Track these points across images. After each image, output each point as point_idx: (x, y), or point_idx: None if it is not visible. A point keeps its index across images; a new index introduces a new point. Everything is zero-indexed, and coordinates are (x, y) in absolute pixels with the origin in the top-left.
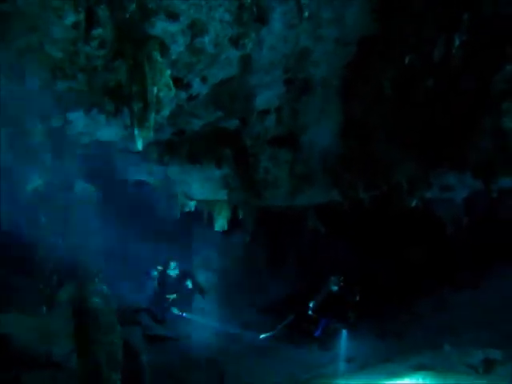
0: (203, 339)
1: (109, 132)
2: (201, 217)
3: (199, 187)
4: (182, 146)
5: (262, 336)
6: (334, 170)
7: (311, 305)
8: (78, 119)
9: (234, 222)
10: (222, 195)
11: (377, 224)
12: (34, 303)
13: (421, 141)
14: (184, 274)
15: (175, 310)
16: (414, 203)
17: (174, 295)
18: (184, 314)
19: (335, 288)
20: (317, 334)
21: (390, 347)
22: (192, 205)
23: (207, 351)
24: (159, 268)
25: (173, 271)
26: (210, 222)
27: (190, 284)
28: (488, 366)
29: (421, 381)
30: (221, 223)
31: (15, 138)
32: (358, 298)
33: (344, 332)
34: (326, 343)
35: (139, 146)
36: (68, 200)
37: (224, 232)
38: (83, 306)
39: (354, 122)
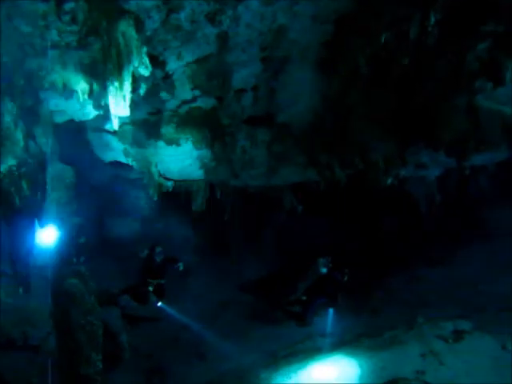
0: (181, 320)
1: (83, 111)
2: (178, 197)
3: (176, 167)
4: (158, 126)
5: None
6: (310, 149)
7: (300, 287)
8: (50, 98)
9: (211, 202)
10: (200, 175)
11: (352, 202)
12: (10, 285)
13: (396, 119)
14: (169, 260)
15: (153, 298)
16: (389, 181)
17: (158, 280)
18: (159, 304)
19: (324, 270)
20: (307, 316)
21: (365, 322)
22: (170, 185)
23: (186, 332)
24: (145, 252)
25: (158, 256)
26: (188, 202)
27: (181, 266)
28: (457, 337)
29: None
30: (198, 203)
31: None
32: (346, 279)
33: (330, 310)
34: (303, 320)
35: (115, 125)
36: (44, 181)
37: (202, 212)
38: (61, 287)
39: (330, 100)
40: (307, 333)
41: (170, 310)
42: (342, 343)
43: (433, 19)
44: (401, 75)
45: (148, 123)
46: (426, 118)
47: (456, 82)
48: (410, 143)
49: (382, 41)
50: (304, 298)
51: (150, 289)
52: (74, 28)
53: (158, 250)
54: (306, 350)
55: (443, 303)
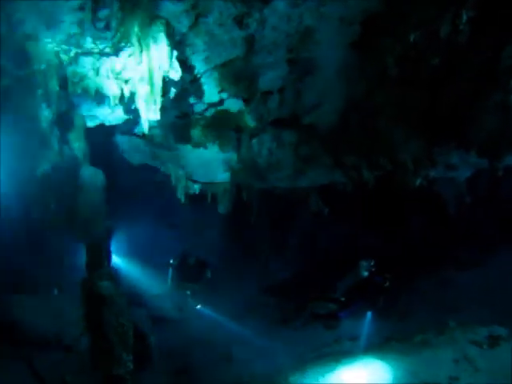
0: (210, 322)
1: (113, 115)
2: (205, 200)
3: (203, 170)
4: (185, 129)
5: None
6: (337, 150)
7: (339, 287)
8: (82, 103)
9: (237, 205)
10: (226, 177)
11: (380, 203)
12: (45, 286)
13: (426, 119)
14: (201, 264)
15: (190, 301)
16: (418, 182)
17: (192, 284)
18: (198, 307)
19: (365, 273)
20: (342, 315)
21: (394, 326)
22: (196, 188)
23: (213, 333)
24: (177, 257)
25: (190, 260)
26: (214, 204)
27: (209, 274)
28: (493, 342)
29: None
30: (225, 206)
31: (23, 123)
32: (388, 284)
33: (369, 314)
34: (330, 323)
35: (145, 129)
36: (76, 184)
37: (228, 214)
38: (93, 289)
39: (357, 101)
40: (335, 336)
41: (208, 312)
42: (371, 347)
43: (465, 17)
44: (431, 75)
45: (175, 126)
46: (457, 118)
47: (489, 81)
48: (440, 144)
49: (411, 40)
50: (342, 299)
51: (188, 293)
52: (108, 35)
53: (190, 253)
54: (333, 353)
55: (475, 308)
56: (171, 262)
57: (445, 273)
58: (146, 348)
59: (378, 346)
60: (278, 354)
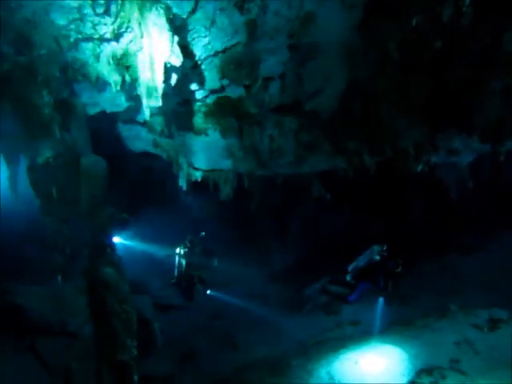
0: (213, 309)
1: (115, 102)
2: (207, 187)
3: (205, 157)
4: (186, 116)
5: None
6: (338, 136)
7: (350, 270)
8: (83, 90)
9: (239, 192)
10: (228, 165)
11: (382, 189)
12: (48, 273)
13: (428, 104)
14: (208, 252)
15: (200, 287)
16: (419, 168)
17: (199, 272)
18: (208, 292)
19: (377, 257)
20: (351, 298)
21: (396, 310)
22: (198, 175)
23: (217, 320)
24: (183, 246)
25: (196, 248)
26: (216, 191)
27: (215, 262)
28: (493, 325)
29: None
30: (226, 193)
31: (24, 110)
32: (400, 270)
33: (381, 300)
34: (331, 308)
35: (147, 115)
36: (78, 172)
37: (230, 201)
38: (97, 277)
39: (359, 87)
40: (337, 321)
41: (212, 299)
42: (372, 331)
43: None
44: (433, 59)
45: (177, 113)
46: (459, 103)
47: (492, 65)
48: (442, 129)
49: (414, 24)
50: (353, 281)
51: (195, 280)
52: (108, 20)
53: (196, 241)
54: (336, 338)
55: (476, 291)
56: (177, 251)
57: (447, 257)
58: (150, 334)
59: (380, 330)
60: (280, 340)
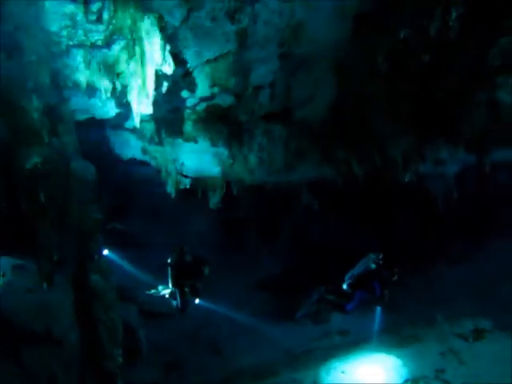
0: (200, 317)
1: (104, 109)
2: (195, 194)
3: (194, 164)
4: (176, 123)
5: (298, 315)
6: (327, 145)
7: (347, 278)
8: (73, 97)
9: (228, 200)
10: (217, 172)
11: (369, 198)
12: (35, 280)
13: (416, 114)
14: (199, 261)
15: (189, 297)
16: (407, 178)
17: (192, 281)
18: (197, 301)
19: (373, 266)
20: (349, 307)
21: (383, 320)
22: (187, 182)
23: (204, 328)
24: (174, 255)
25: (186, 256)
26: (205, 199)
27: (206, 271)
28: (478, 335)
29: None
30: (215, 200)
31: (13, 115)
32: (396, 278)
33: (378, 309)
34: (320, 317)
35: (137, 122)
36: (66, 178)
37: (218, 209)
38: (83, 283)
39: (348, 97)
40: (324, 330)
41: (199, 306)
42: (360, 340)
43: (454, 14)
44: (420, 71)
45: (166, 121)
46: (446, 114)
47: (477, 78)
48: (430, 139)
49: (402, 36)
50: (349, 290)
51: (186, 289)
52: (100, 27)
53: (186, 250)
54: (324, 348)
55: (462, 301)
56: (169, 260)
57: (434, 267)
58: (135, 342)
59: (367, 340)
60: (268, 348)
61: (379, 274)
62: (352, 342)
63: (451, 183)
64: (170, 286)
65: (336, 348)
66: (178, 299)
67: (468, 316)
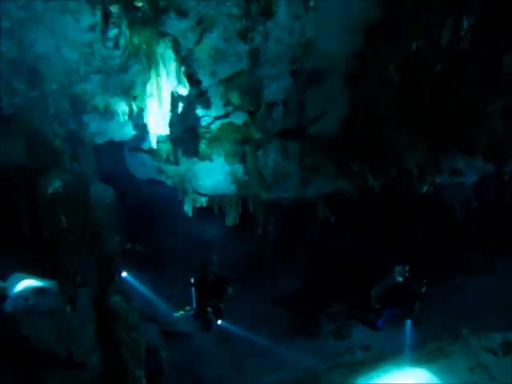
0: (219, 336)
1: (122, 131)
2: (212, 212)
3: (210, 183)
4: (191, 143)
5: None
6: (342, 159)
7: (373, 294)
8: (92, 121)
9: (244, 216)
10: (233, 189)
11: (387, 211)
12: (57, 303)
13: (430, 126)
14: (222, 280)
15: (213, 317)
16: (425, 189)
17: (215, 302)
18: (219, 322)
19: (400, 279)
20: (379, 324)
21: (405, 333)
22: (204, 200)
23: (224, 347)
24: (196, 274)
25: (209, 275)
26: (222, 217)
27: (230, 290)
28: (508, 349)
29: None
30: (232, 218)
31: (35, 141)
32: (424, 290)
33: (408, 322)
34: (341, 332)
35: (154, 144)
36: (86, 201)
37: (235, 226)
38: (105, 305)
39: (361, 110)
40: (346, 346)
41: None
42: (384, 355)
43: (466, 24)
44: (433, 81)
45: (181, 140)
46: (461, 124)
47: (492, 86)
48: (445, 150)
49: (413, 48)
50: (378, 306)
51: (209, 310)
52: (117, 53)
53: (209, 269)
54: (347, 364)
55: (487, 314)
56: (192, 280)
57: (455, 279)
58: (157, 363)
59: (391, 355)
60: (290, 366)
61: (407, 286)
62: (375, 357)
63: (470, 193)
64: (194, 305)
65: (360, 364)
66: (201, 319)
67: (495, 329)
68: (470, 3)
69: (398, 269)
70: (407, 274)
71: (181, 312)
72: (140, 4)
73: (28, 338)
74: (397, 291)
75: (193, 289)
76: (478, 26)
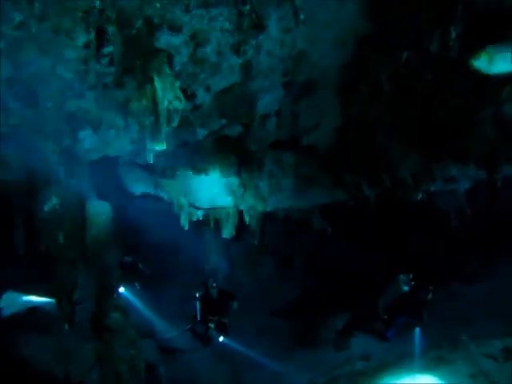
0: (218, 349)
1: (117, 147)
2: (208, 225)
3: (205, 196)
4: (186, 157)
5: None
6: (337, 169)
7: (380, 305)
8: (87, 137)
9: (241, 229)
10: (228, 202)
11: (382, 219)
12: (57, 323)
13: (422, 134)
14: (225, 295)
15: (214, 333)
16: (419, 197)
17: (219, 317)
18: (221, 339)
19: (406, 288)
20: (389, 334)
21: (406, 342)
22: (200, 214)
23: (223, 361)
24: (200, 290)
25: (213, 290)
26: (218, 229)
27: (235, 305)
28: (508, 355)
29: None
30: (229, 230)
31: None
32: (430, 297)
33: (417, 330)
34: (340, 342)
35: (150, 158)
36: (83, 218)
37: (232, 238)
38: (103, 322)
39: (354, 120)
40: (346, 357)
41: (233, 345)
42: (385, 365)
43: (453, 34)
44: (424, 90)
45: (176, 154)
46: (453, 132)
47: (482, 93)
48: (438, 158)
49: (403, 58)
50: (385, 316)
51: (212, 325)
52: (111, 69)
53: (212, 284)
54: (346, 375)
55: (486, 320)
56: (197, 295)
57: (452, 286)
58: (156, 379)
59: (392, 364)
60: (289, 379)
61: (414, 295)
62: (375, 367)
63: (463, 200)
64: (199, 319)
65: (360, 375)
66: (203, 334)
67: (494, 335)
68: (456, 13)
69: (402, 278)
70: (412, 283)
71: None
72: (135, 21)
73: (25, 359)
74: (404, 300)
75: (197, 303)
76: (466, 35)
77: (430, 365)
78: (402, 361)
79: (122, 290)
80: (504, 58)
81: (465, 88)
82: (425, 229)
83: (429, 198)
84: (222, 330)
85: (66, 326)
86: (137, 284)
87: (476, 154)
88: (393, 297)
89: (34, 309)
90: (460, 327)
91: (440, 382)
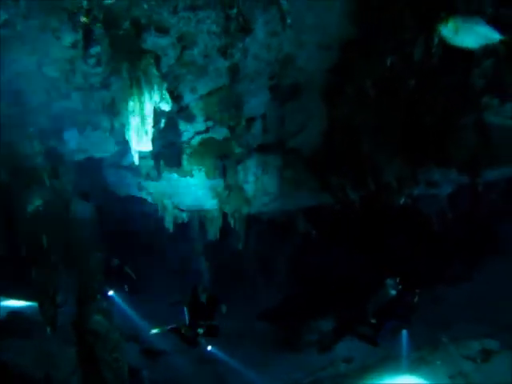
0: (202, 352)
1: (103, 148)
2: (193, 228)
3: (190, 198)
4: (171, 158)
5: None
6: (322, 172)
7: (369, 310)
8: (72, 138)
9: (225, 231)
10: (213, 204)
11: (366, 223)
12: (38, 326)
13: (406, 139)
14: (214, 299)
15: (202, 341)
16: (402, 201)
17: (209, 322)
18: (209, 348)
19: (394, 292)
20: (379, 340)
21: (387, 344)
22: (184, 216)
23: (207, 364)
24: (188, 294)
25: (201, 295)
26: (203, 232)
27: (224, 309)
28: (486, 357)
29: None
30: (213, 232)
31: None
32: (417, 300)
33: (404, 332)
34: (324, 345)
35: (136, 160)
36: (67, 219)
37: (216, 241)
38: (86, 325)
39: (339, 124)
40: (329, 359)
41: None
42: (367, 368)
43: (436, 40)
44: (408, 96)
45: (161, 156)
46: (436, 137)
47: (463, 100)
48: (421, 162)
49: (388, 64)
50: (374, 321)
51: (200, 331)
52: (98, 70)
53: (200, 289)
54: (329, 377)
55: (466, 322)
56: (184, 300)
57: (434, 289)
58: (139, 382)
59: (373, 367)
60: (273, 381)
61: (401, 298)
62: (357, 369)
63: (445, 204)
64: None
65: (342, 377)
66: (190, 337)
67: (473, 337)
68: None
69: (389, 282)
70: (399, 286)
71: (157, 329)
72: (122, 22)
73: (5, 363)
74: (392, 304)
75: (185, 308)
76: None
77: (412, 366)
78: (384, 363)
79: (110, 293)
80: (469, 31)
81: (447, 94)
82: (408, 232)
83: (412, 202)
84: (213, 332)
85: (49, 330)
86: (126, 287)
87: (458, 159)
88: (381, 301)
89: (15, 313)
90: (441, 329)
91: (420, 382)
